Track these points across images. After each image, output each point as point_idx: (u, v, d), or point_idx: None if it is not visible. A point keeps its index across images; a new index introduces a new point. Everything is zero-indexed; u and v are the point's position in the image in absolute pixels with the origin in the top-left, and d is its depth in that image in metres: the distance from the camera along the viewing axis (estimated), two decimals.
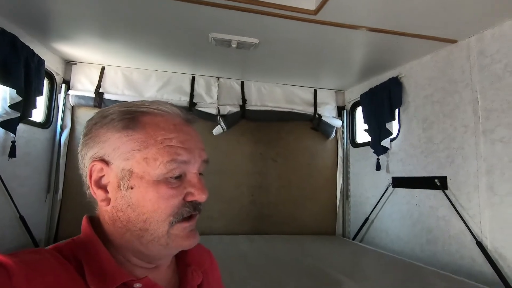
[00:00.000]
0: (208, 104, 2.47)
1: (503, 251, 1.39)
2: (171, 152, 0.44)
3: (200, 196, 0.46)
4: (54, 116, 2.20)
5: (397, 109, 2.11)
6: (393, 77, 2.11)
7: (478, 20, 1.46)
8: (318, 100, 2.71)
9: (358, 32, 1.60)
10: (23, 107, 1.69)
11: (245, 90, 2.59)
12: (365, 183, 2.46)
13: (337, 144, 2.77)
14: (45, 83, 2.07)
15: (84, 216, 0.48)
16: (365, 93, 2.37)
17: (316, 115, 2.66)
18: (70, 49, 2.08)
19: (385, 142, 2.14)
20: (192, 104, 2.43)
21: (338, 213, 2.67)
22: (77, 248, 0.44)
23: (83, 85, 2.31)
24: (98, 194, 0.45)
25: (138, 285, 0.43)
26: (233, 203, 2.48)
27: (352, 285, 1.26)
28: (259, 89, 2.62)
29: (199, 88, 2.49)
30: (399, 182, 2.07)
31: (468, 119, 1.60)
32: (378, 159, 2.22)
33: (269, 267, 1.54)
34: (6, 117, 1.62)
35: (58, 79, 2.24)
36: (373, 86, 2.28)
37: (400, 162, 2.08)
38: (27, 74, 1.71)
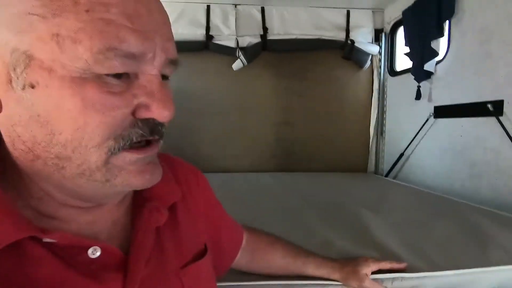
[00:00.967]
0: (226, 36, 2.27)
1: None
2: (109, 34, 0.25)
3: (159, 112, 0.29)
4: None
5: (447, 22, 1.72)
6: None
7: None
8: (351, 23, 2.34)
9: None
10: None
11: (266, 18, 2.31)
12: (402, 116, 2.20)
13: (372, 74, 2.45)
14: None
15: None
16: (409, 7, 1.97)
17: (348, 41, 2.32)
18: None
19: (429, 66, 1.81)
20: (208, 37, 2.24)
21: (371, 149, 2.49)
22: None
23: None
24: None
25: (48, 239, 0.29)
26: (257, 141, 2.42)
27: (374, 218, 1.16)
28: (282, 14, 2.31)
29: (215, 18, 2.27)
30: (442, 112, 1.79)
31: None
32: (419, 87, 1.92)
33: (292, 200, 1.49)
34: None
35: None
36: None
37: (446, 88, 1.77)
38: None
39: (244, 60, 2.28)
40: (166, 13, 0.32)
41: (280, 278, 0.67)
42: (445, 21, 1.71)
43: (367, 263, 0.66)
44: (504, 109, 1.40)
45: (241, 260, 0.60)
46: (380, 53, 2.40)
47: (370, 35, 2.38)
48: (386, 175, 2.27)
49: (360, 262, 0.67)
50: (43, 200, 0.31)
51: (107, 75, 0.27)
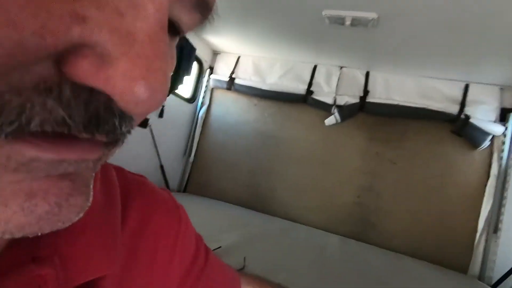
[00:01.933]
0: (325, 93, 2.40)
1: None
2: None
3: (129, 85, 0.11)
4: (198, 94, 2.74)
5: None
6: None
7: None
8: (468, 97, 2.11)
9: None
10: (172, 81, 2.20)
11: (370, 81, 2.33)
12: None
13: (491, 157, 2.07)
14: (195, 67, 2.60)
15: None
16: None
17: (462, 116, 2.07)
18: (216, 40, 2.51)
19: None
20: (308, 92, 2.42)
21: (476, 247, 2.00)
22: None
23: (222, 71, 2.73)
24: None
25: None
26: (334, 200, 2.31)
27: None
28: (387, 80, 2.30)
29: (319, 76, 2.45)
30: None
31: None
32: None
33: (344, 275, 1.34)
34: None
35: (205, 65, 2.75)
36: None
37: None
38: (179, 56, 2.21)
39: (338, 117, 2.32)
40: None
41: None
42: None
43: None
44: None
45: None
46: (505, 134, 2.03)
47: (494, 113, 2.07)
48: (495, 286, 1.75)
49: None
50: None
51: None
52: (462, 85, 2.13)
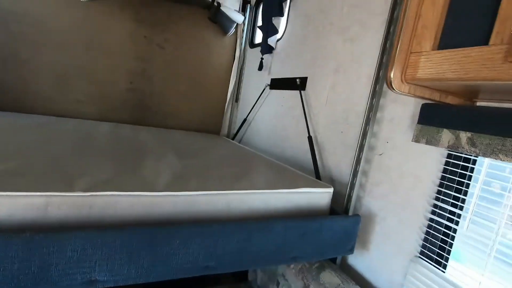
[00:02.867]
0: None
1: (326, 145, 1.52)
2: None
3: None
4: None
5: (287, 4, 1.95)
6: None
7: None
8: None
9: None
10: None
11: None
12: (251, 85, 2.42)
13: (235, 42, 2.59)
14: None
15: None
16: None
17: (215, 3, 2.36)
18: None
19: (271, 41, 2.03)
20: None
21: (225, 114, 2.67)
22: None
23: None
24: None
25: None
26: (107, 88, 2.24)
27: (183, 162, 1.25)
28: None
29: None
30: (275, 84, 2.05)
31: (335, 14, 1.54)
32: (262, 59, 2.14)
33: (111, 150, 1.44)
34: None
35: None
36: None
37: (280, 63, 2.03)
38: None
39: None
40: None
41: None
42: (285, 1, 1.92)
43: None
44: (307, 85, 1.71)
45: None
46: (244, 23, 2.53)
47: (238, 3, 2.47)
48: (233, 138, 2.49)
49: None
50: None
51: None
52: None
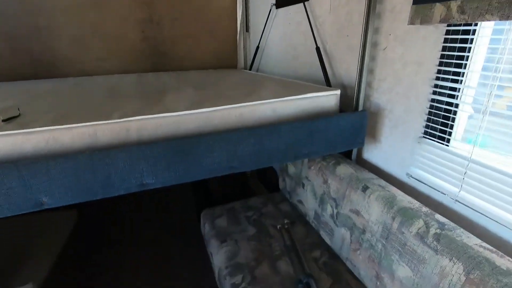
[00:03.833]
0: None
1: (334, 53, 1.53)
2: None
3: None
4: None
5: None
6: None
7: None
8: None
9: None
10: None
11: None
12: (258, 10, 2.36)
13: None
14: None
15: None
16: None
17: None
18: None
19: None
20: None
21: (239, 46, 2.67)
22: None
23: None
24: None
25: None
26: (122, 41, 2.35)
27: (199, 92, 1.38)
28: None
29: None
30: (279, 2, 1.99)
31: None
32: None
33: (141, 90, 1.60)
34: None
35: None
36: None
37: None
38: None
39: None
40: None
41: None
42: None
43: None
44: None
45: None
46: None
47: None
48: (250, 68, 2.54)
49: None
50: None
51: None
52: None
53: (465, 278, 0.77)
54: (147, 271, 1.83)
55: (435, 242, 0.87)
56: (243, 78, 1.89)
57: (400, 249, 0.96)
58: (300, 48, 1.82)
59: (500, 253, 0.79)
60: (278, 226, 1.54)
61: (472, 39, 0.92)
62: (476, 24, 0.89)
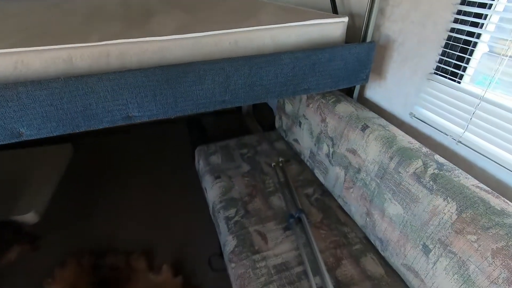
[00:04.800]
0: None
1: None
2: None
3: None
4: None
5: None
6: None
7: None
8: None
9: None
10: None
11: None
12: None
13: None
14: None
15: None
16: None
17: None
18: None
19: None
20: None
21: None
22: None
23: None
24: None
25: None
26: None
27: (190, 15, 1.22)
28: None
29: None
30: None
31: None
32: None
33: (125, 12, 1.41)
34: None
35: None
36: None
37: None
38: None
39: None
40: None
41: None
42: None
43: None
44: None
45: None
46: None
47: None
48: None
49: None
50: None
51: None
52: None
53: (456, 216, 0.77)
54: (142, 201, 1.89)
55: (431, 182, 0.85)
56: (241, 2, 1.68)
57: (394, 188, 0.95)
58: None
59: (497, 194, 0.77)
60: (272, 164, 1.53)
61: None
62: None
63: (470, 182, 0.82)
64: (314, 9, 1.49)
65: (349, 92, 1.35)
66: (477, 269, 0.71)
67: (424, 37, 1.02)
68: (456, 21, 0.91)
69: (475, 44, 0.90)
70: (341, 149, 1.19)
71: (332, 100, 1.27)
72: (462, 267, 0.74)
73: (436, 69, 1.01)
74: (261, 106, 2.47)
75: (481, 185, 0.81)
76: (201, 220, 1.74)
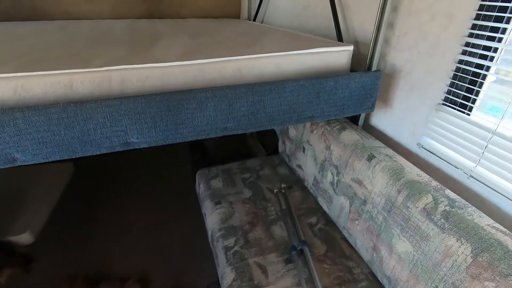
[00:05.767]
0: None
1: (349, 2, 1.33)
2: None
3: None
4: None
5: None
6: None
7: None
8: None
9: None
10: None
11: None
12: None
13: None
14: None
15: None
16: None
17: None
18: None
19: None
20: None
21: None
22: None
23: None
24: None
25: None
26: None
27: (194, 40, 1.22)
28: None
29: None
30: None
31: None
32: None
33: (130, 37, 1.44)
34: None
35: None
36: None
37: None
38: None
39: None
40: None
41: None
42: None
43: None
44: None
45: None
46: None
47: None
48: (254, 19, 2.31)
49: None
50: None
51: None
52: None
53: (472, 260, 0.71)
54: (141, 225, 1.83)
55: (442, 220, 0.80)
56: (245, 29, 1.70)
57: (402, 223, 0.90)
58: (312, 1, 1.61)
59: None
60: (274, 190, 1.49)
61: None
62: None
63: (484, 221, 0.77)
64: (319, 36, 1.50)
65: (354, 119, 1.32)
66: None
67: (431, 68, 1.00)
68: (464, 53, 0.90)
69: (484, 76, 0.88)
70: (346, 178, 1.15)
71: (337, 127, 1.25)
72: None
73: (444, 100, 0.99)
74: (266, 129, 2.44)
75: (497, 225, 0.76)
76: (200, 247, 1.68)
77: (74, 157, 0.82)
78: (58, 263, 1.60)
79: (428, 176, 0.94)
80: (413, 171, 0.96)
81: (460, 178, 0.97)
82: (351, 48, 1.10)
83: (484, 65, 0.87)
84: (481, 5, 0.83)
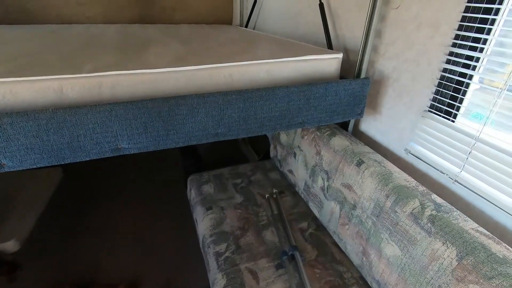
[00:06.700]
0: None
1: (339, 11, 1.37)
2: None
3: None
4: None
5: None
6: None
7: None
8: None
9: None
10: None
11: None
12: None
13: None
14: None
15: None
16: None
17: None
18: None
19: None
20: None
21: (234, 3, 2.43)
22: None
23: None
24: None
25: None
26: None
27: (186, 46, 1.23)
28: None
29: None
30: None
31: None
32: None
33: (121, 42, 1.43)
34: None
35: None
36: None
37: None
38: None
39: None
40: None
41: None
42: None
43: None
44: None
45: None
46: None
47: None
48: (246, 26, 2.33)
49: None
50: None
51: None
52: None
53: (457, 263, 0.73)
54: (131, 230, 1.81)
55: (429, 224, 0.82)
56: (236, 35, 1.72)
57: (391, 228, 0.92)
58: (303, 3, 1.64)
59: (497, 239, 0.74)
60: (266, 195, 1.49)
61: None
62: None
63: (469, 225, 0.79)
64: (309, 42, 1.53)
65: (344, 125, 1.34)
66: None
67: (418, 75, 1.03)
68: (448, 62, 0.93)
69: (468, 84, 0.91)
70: (336, 183, 1.17)
71: (327, 133, 1.26)
72: None
73: (430, 107, 1.01)
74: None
75: (481, 229, 0.78)
76: (191, 252, 1.66)
77: (63, 163, 0.81)
78: (45, 270, 1.56)
79: (416, 181, 0.96)
80: (401, 176, 0.98)
81: (446, 183, 0.99)
82: (340, 55, 1.12)
83: (467, 73, 0.90)
84: (463, 16, 0.86)
